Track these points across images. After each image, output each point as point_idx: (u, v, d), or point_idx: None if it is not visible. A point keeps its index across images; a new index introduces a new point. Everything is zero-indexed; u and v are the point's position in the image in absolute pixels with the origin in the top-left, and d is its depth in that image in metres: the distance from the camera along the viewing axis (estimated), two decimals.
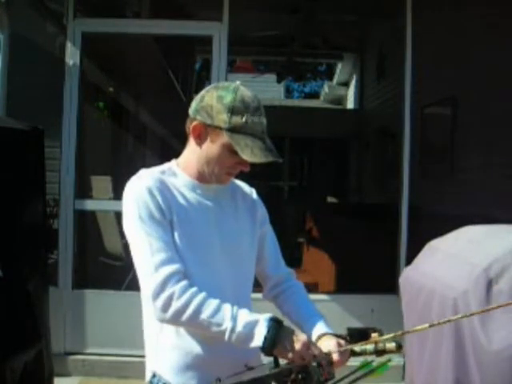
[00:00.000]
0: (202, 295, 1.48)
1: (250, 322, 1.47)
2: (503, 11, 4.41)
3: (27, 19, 5.02)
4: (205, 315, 1.47)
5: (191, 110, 1.61)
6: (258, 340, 1.45)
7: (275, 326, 1.46)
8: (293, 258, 6.16)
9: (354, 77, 11.12)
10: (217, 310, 1.47)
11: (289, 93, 17.37)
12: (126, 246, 5.41)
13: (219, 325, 1.46)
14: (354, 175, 10.52)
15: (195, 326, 1.50)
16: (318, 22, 7.05)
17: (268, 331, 1.45)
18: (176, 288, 1.47)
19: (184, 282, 1.49)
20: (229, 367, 1.54)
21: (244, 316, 1.47)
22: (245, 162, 1.57)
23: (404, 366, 3.64)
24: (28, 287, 2.94)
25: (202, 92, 1.62)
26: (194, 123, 1.58)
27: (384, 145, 8.20)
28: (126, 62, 6.51)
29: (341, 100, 12.62)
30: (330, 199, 10.24)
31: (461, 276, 2.26)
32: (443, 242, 2.66)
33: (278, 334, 1.45)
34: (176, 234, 1.55)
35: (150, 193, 1.54)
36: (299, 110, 12.13)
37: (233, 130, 1.53)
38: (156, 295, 1.48)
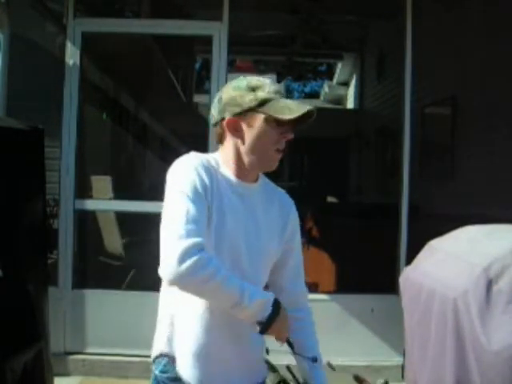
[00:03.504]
0: (225, 269, 1.50)
1: (263, 304, 1.51)
2: (503, 11, 4.41)
3: (27, 19, 5.01)
4: (225, 286, 1.47)
5: (216, 116, 1.64)
6: (260, 318, 1.50)
7: (277, 310, 1.52)
8: None
9: (354, 77, 11.12)
10: (236, 286, 1.48)
11: (289, 93, 17.35)
12: (125, 246, 5.42)
13: (232, 299, 1.48)
14: (354, 175, 10.51)
15: (210, 294, 1.50)
16: (318, 21, 7.05)
17: (272, 312, 1.51)
18: (203, 256, 1.44)
19: (209, 254, 1.48)
20: (235, 363, 1.61)
21: (258, 300, 1.51)
22: (287, 130, 1.61)
23: (403, 366, 3.64)
24: (28, 287, 2.94)
25: (216, 97, 1.67)
26: (227, 119, 1.61)
27: (384, 145, 8.20)
28: (126, 61, 6.50)
29: (341, 100, 12.62)
30: (330, 199, 10.24)
31: (461, 276, 2.25)
32: (443, 241, 2.65)
33: (276, 317, 1.52)
34: (210, 220, 1.56)
35: (198, 172, 1.56)
36: None
37: (263, 103, 1.58)
38: (182, 259, 1.43)
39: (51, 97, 4.68)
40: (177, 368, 1.59)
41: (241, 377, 1.64)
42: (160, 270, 1.46)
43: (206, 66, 8.58)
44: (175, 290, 1.59)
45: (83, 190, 4.88)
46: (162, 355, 1.62)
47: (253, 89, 1.60)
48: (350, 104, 11.76)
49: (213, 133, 1.79)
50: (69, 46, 4.43)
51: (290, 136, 1.64)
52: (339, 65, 11.84)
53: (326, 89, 13.44)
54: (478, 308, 2.16)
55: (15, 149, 2.91)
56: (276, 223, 1.71)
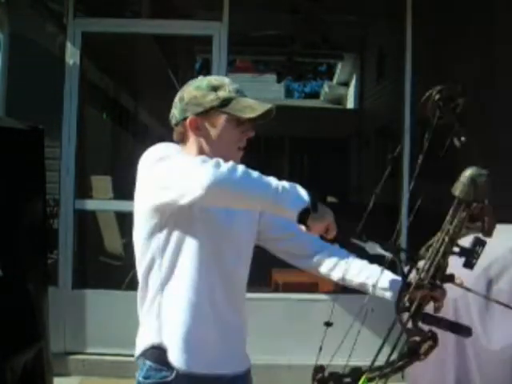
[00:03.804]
0: None
1: (295, 187, 1.48)
2: (503, 10, 4.41)
3: (27, 19, 5.01)
4: (252, 175, 1.45)
5: (177, 116, 1.66)
6: (303, 200, 1.46)
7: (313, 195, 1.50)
8: None
9: (354, 77, 11.13)
10: (260, 175, 1.47)
11: (289, 93, 17.34)
12: (125, 246, 5.41)
13: (268, 184, 1.45)
14: (354, 175, 10.51)
15: (244, 188, 1.45)
16: (318, 21, 7.05)
17: (310, 196, 1.48)
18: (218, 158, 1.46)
19: None
20: (221, 351, 1.61)
21: (288, 184, 1.49)
22: (248, 128, 1.64)
23: None
24: (28, 287, 2.94)
25: (177, 96, 1.69)
26: (189, 119, 1.63)
27: (384, 145, 8.19)
28: (126, 61, 6.50)
29: (341, 100, 12.62)
30: (330, 199, 10.25)
31: (461, 276, 2.25)
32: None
33: (317, 201, 1.50)
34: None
35: (176, 150, 1.60)
36: (299, 110, 12.13)
37: (224, 102, 1.61)
38: (202, 164, 1.43)
39: (51, 97, 4.68)
40: (168, 356, 1.58)
41: (226, 364, 1.65)
42: (189, 191, 1.42)
43: (206, 66, 8.58)
44: (157, 281, 1.60)
45: (83, 189, 4.88)
46: (148, 349, 1.62)
47: (214, 88, 1.63)
48: (350, 104, 11.77)
49: None
50: (69, 46, 4.44)
51: (251, 134, 1.66)
52: (339, 65, 11.84)
53: (326, 89, 13.44)
54: (477, 308, 2.16)
55: (15, 149, 2.91)
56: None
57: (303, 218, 1.46)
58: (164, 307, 1.61)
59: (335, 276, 1.75)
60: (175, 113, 1.68)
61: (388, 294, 1.69)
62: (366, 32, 8.93)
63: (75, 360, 4.28)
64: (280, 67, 10.17)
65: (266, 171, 1.80)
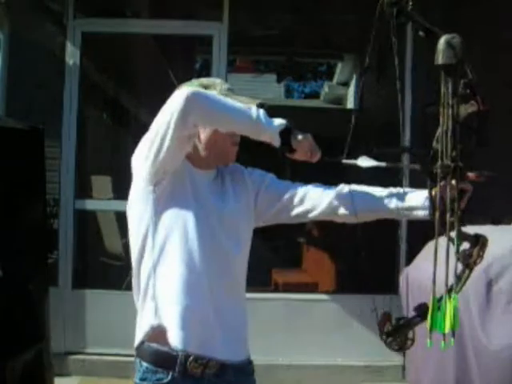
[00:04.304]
0: None
1: (271, 119, 1.58)
2: (503, 10, 4.41)
3: (27, 19, 5.01)
4: (227, 101, 1.56)
5: None
6: (281, 121, 1.59)
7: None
8: (293, 258, 6.15)
9: (354, 77, 11.11)
10: (236, 102, 1.57)
11: (289, 93, 17.33)
12: (125, 246, 5.41)
13: (248, 107, 1.55)
14: (354, 175, 10.50)
15: (225, 104, 1.55)
16: (318, 21, 7.04)
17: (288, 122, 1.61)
18: None
19: None
20: (218, 333, 1.60)
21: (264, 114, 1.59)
22: None
23: (403, 366, 3.64)
24: (28, 287, 2.94)
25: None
26: None
27: (384, 144, 8.19)
28: (126, 61, 6.50)
29: (341, 100, 12.60)
30: None
31: None
32: (443, 241, 2.65)
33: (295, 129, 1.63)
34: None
35: None
36: (299, 110, 12.12)
37: None
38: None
39: (51, 97, 4.68)
40: (168, 339, 1.57)
41: (224, 350, 1.63)
42: (175, 107, 1.52)
43: (206, 66, 8.58)
44: (149, 263, 1.60)
45: (83, 189, 4.88)
46: (147, 337, 1.61)
47: (205, 87, 1.67)
48: (350, 104, 11.74)
49: None
50: (69, 46, 4.44)
51: None
52: (339, 65, 11.81)
53: (326, 89, 13.40)
54: (478, 308, 2.16)
55: (15, 149, 2.91)
56: (235, 194, 1.73)
57: (286, 140, 1.57)
58: (158, 287, 1.60)
59: (355, 211, 1.81)
60: None
61: (419, 208, 1.73)
62: (366, 32, 8.92)
63: (75, 360, 4.29)
64: (280, 67, 10.17)
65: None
